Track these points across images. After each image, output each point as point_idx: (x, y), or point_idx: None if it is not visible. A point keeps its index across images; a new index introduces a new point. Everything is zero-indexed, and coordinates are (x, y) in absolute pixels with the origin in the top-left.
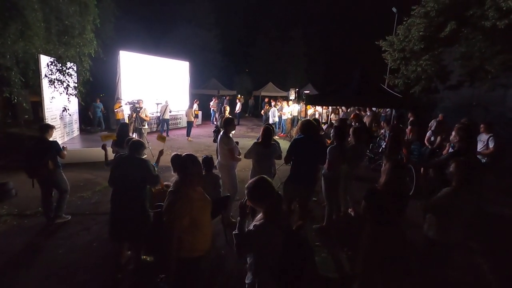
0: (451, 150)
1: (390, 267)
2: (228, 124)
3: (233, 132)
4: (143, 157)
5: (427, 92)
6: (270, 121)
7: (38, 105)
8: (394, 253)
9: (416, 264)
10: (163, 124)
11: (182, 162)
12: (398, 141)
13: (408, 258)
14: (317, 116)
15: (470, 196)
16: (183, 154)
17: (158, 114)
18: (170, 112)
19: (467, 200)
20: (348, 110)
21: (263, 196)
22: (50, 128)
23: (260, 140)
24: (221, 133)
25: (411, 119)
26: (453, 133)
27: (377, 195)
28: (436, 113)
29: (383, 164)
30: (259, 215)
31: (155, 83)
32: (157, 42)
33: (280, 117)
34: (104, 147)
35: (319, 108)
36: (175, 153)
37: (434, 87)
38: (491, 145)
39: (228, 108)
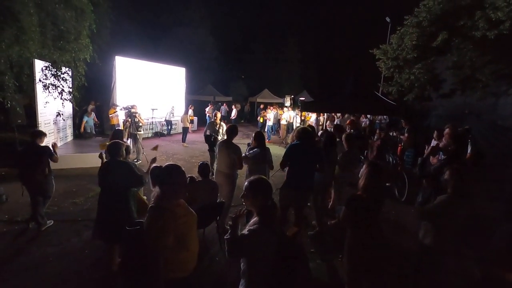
0: (441, 156)
1: (376, 270)
2: (233, 132)
3: None
4: (128, 157)
5: (421, 100)
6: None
7: (31, 110)
8: (377, 255)
9: (410, 269)
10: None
11: (165, 172)
12: (382, 146)
13: (395, 260)
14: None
15: (465, 203)
16: (164, 165)
17: (154, 119)
18: (172, 116)
19: (462, 206)
20: (345, 117)
21: (260, 193)
22: (42, 134)
23: (253, 143)
24: (225, 141)
25: (407, 127)
26: (446, 139)
27: (358, 201)
28: (430, 120)
29: (363, 167)
30: (253, 220)
31: (151, 89)
32: (153, 48)
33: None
34: (101, 156)
35: (313, 115)
36: (154, 165)
37: (427, 95)
38: (468, 149)
39: (219, 115)
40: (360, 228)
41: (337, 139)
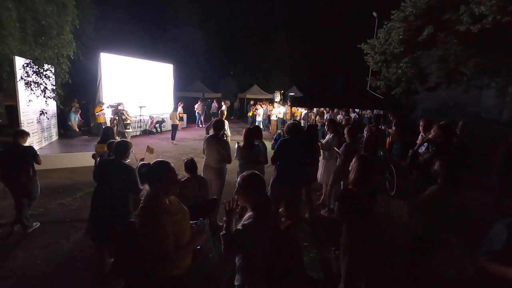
0: (423, 147)
1: (372, 262)
2: (220, 127)
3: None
4: (128, 161)
5: (408, 94)
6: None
7: (13, 109)
8: (373, 246)
9: (401, 260)
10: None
11: (153, 170)
12: (370, 140)
13: (388, 252)
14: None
15: (455, 193)
16: (152, 162)
17: (142, 117)
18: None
19: (452, 197)
20: (335, 111)
21: (254, 188)
22: (25, 134)
23: (243, 143)
24: (213, 136)
25: (395, 120)
26: (434, 131)
27: (350, 195)
28: (416, 113)
29: (353, 161)
30: (247, 215)
31: (138, 86)
32: (139, 44)
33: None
34: (94, 156)
35: (303, 111)
36: (142, 162)
37: (414, 89)
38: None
39: (225, 112)
40: (355, 222)
41: (332, 134)
